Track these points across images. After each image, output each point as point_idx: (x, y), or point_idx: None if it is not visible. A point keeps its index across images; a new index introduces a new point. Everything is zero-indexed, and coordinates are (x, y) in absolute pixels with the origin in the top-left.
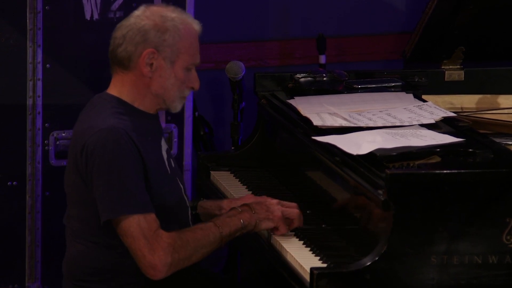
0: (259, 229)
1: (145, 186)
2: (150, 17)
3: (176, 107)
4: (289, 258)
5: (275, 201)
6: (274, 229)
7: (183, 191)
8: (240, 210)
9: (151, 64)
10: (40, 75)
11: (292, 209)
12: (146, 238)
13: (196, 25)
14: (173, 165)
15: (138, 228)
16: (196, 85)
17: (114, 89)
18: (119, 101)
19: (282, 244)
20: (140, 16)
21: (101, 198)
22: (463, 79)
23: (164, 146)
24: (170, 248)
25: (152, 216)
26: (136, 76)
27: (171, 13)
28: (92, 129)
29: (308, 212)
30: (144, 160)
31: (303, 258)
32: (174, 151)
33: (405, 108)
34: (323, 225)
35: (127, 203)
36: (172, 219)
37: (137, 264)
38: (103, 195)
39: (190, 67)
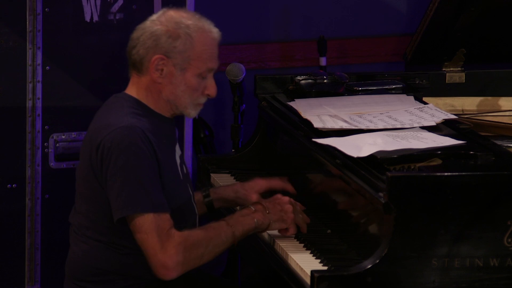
0: (271, 229)
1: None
2: (164, 23)
3: (190, 114)
4: (289, 261)
5: (286, 199)
6: (284, 230)
7: (192, 198)
8: (253, 209)
9: (162, 70)
10: (39, 77)
11: (303, 216)
12: (159, 236)
13: (214, 33)
14: (185, 171)
15: (152, 225)
16: (212, 92)
17: (131, 90)
18: (136, 102)
19: (282, 246)
20: (155, 20)
21: (116, 196)
22: (464, 81)
23: (178, 151)
24: (181, 247)
25: (166, 216)
26: (148, 80)
27: (187, 20)
28: (109, 127)
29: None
30: (159, 161)
31: (303, 261)
32: None
33: (406, 111)
34: (328, 231)
35: (142, 201)
36: (180, 223)
37: (140, 266)
38: (118, 193)
39: (203, 75)
